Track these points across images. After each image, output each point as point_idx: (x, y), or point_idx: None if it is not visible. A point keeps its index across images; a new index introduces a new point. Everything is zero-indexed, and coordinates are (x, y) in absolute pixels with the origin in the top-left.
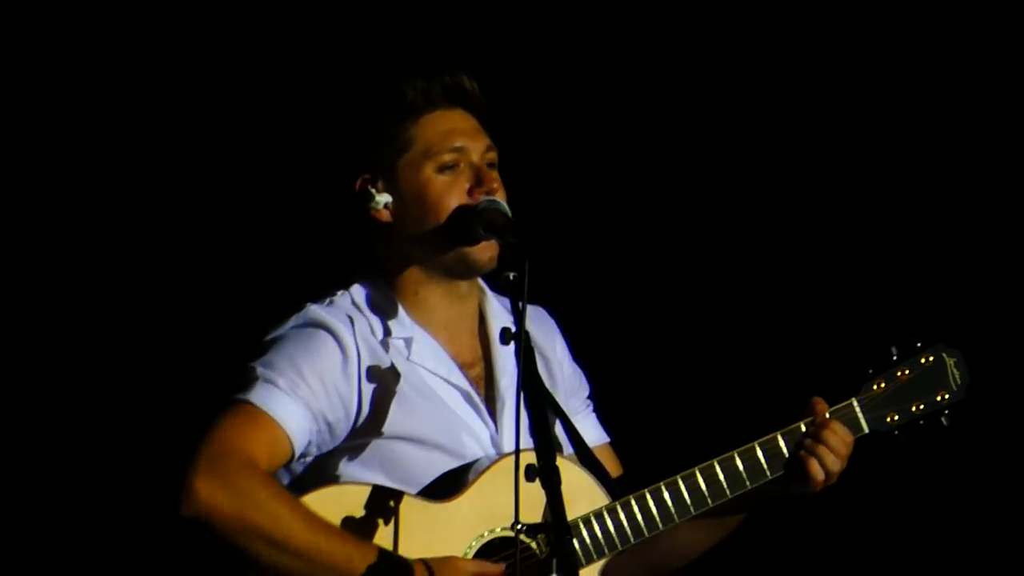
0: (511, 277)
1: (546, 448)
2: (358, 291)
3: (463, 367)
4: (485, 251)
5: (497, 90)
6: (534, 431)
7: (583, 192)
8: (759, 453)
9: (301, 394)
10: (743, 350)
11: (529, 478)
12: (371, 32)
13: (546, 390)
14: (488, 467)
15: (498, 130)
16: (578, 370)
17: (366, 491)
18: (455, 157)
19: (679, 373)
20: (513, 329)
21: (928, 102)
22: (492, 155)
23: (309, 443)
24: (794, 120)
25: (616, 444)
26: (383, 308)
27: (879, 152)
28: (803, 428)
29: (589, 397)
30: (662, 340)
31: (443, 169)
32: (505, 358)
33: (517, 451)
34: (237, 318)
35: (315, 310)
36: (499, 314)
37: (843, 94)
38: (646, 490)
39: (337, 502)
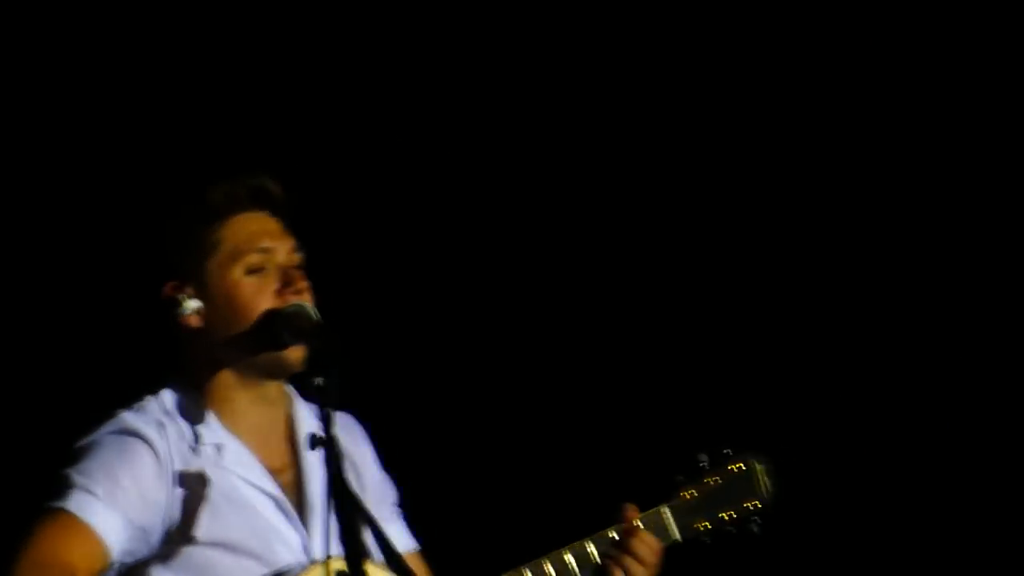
0: (318, 382)
1: (355, 554)
2: (168, 397)
3: (273, 473)
4: (293, 354)
5: (301, 191)
6: (343, 537)
7: (388, 294)
8: (569, 558)
9: (119, 503)
10: (553, 454)
11: None
12: (174, 132)
13: (355, 496)
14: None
15: (302, 232)
16: (386, 477)
17: None
18: (262, 259)
19: (487, 477)
20: (321, 434)
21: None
22: (298, 256)
23: (124, 551)
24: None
25: (424, 551)
26: (192, 414)
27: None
28: (612, 535)
29: (398, 504)
30: (469, 445)
31: (251, 271)
32: (314, 464)
33: (327, 558)
34: (44, 422)
35: (127, 417)
36: (307, 419)
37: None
38: None
39: None
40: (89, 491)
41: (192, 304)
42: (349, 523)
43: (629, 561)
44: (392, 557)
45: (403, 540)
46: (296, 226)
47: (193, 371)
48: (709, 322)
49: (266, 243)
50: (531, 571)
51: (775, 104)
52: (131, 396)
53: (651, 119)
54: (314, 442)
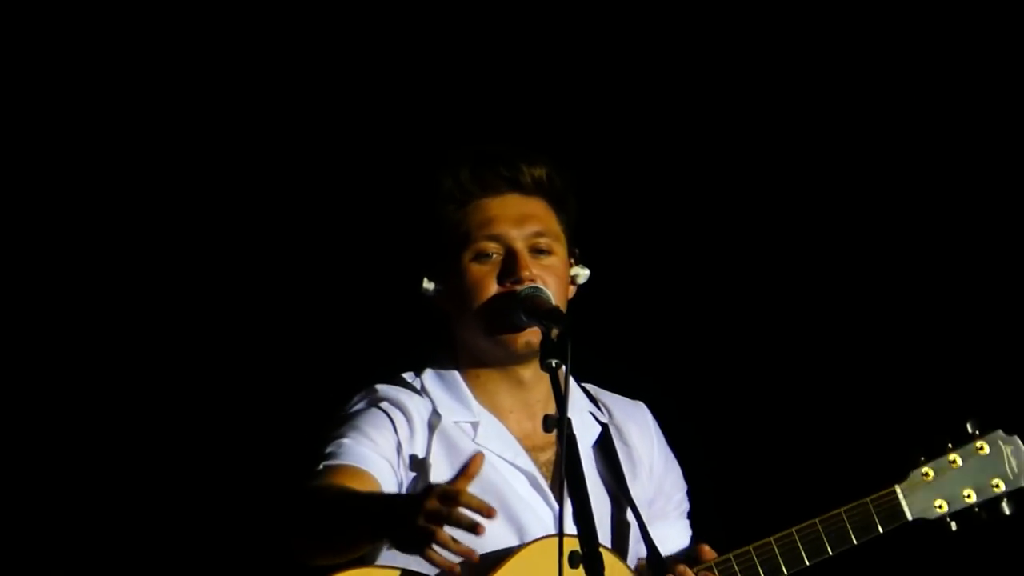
0: (554, 364)
1: (590, 535)
2: (428, 375)
3: (531, 451)
4: (522, 338)
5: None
6: (577, 518)
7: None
8: (795, 540)
9: (374, 440)
10: (802, 434)
11: (573, 565)
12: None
13: (583, 479)
14: (518, 550)
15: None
16: (672, 471)
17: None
18: (490, 245)
19: (735, 452)
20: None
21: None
22: (541, 240)
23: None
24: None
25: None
26: (451, 392)
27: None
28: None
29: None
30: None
31: (479, 257)
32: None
33: (560, 535)
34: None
35: (382, 388)
36: (580, 402)
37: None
38: None
39: None
40: (343, 438)
41: (428, 285)
42: (582, 505)
43: None
44: (652, 551)
45: (675, 538)
46: (562, 203)
47: (452, 350)
48: (959, 301)
49: (497, 230)
50: (777, 542)
51: None
52: (393, 375)
53: None
54: (548, 423)
